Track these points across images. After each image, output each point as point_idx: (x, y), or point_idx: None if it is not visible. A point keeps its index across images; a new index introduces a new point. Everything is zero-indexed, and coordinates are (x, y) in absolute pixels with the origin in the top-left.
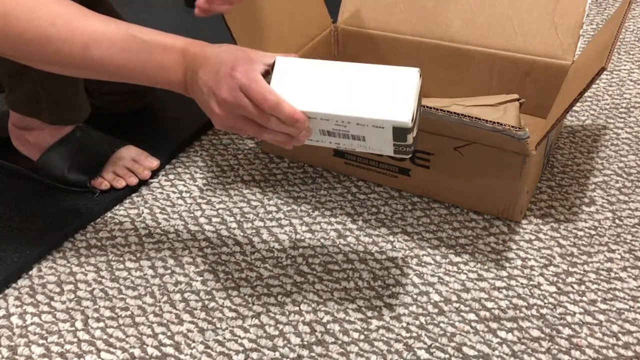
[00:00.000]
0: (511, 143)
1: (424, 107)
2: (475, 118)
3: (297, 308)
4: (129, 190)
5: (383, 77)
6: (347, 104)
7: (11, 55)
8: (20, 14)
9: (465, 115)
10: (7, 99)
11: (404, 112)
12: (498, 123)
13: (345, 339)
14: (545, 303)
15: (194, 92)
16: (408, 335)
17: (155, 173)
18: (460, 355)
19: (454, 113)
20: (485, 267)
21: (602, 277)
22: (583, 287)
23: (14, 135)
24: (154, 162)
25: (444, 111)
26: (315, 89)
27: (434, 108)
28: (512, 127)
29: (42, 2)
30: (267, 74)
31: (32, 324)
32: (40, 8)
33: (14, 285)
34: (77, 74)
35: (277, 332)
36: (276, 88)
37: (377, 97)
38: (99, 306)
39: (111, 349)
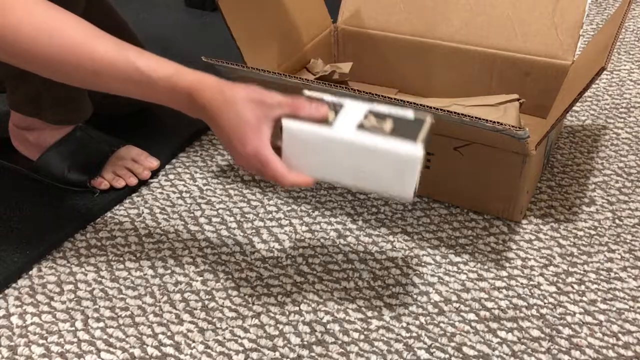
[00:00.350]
0: (511, 143)
1: (424, 106)
2: (475, 118)
3: (297, 308)
4: (129, 190)
5: (387, 155)
6: (354, 178)
7: (26, 68)
8: (29, 33)
9: (465, 115)
10: (9, 98)
11: (406, 191)
12: (498, 123)
13: (345, 339)
14: (545, 303)
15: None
16: (408, 335)
17: (155, 173)
18: (460, 355)
19: (454, 113)
20: (485, 267)
21: (602, 277)
22: (583, 287)
23: (14, 135)
24: (154, 162)
25: (444, 111)
26: (324, 162)
27: (434, 108)
28: (512, 126)
29: (50, 22)
30: (278, 123)
31: (32, 324)
32: (47, 30)
33: (14, 285)
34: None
35: (277, 332)
36: (288, 157)
37: (382, 175)
38: (99, 306)
39: (111, 349)
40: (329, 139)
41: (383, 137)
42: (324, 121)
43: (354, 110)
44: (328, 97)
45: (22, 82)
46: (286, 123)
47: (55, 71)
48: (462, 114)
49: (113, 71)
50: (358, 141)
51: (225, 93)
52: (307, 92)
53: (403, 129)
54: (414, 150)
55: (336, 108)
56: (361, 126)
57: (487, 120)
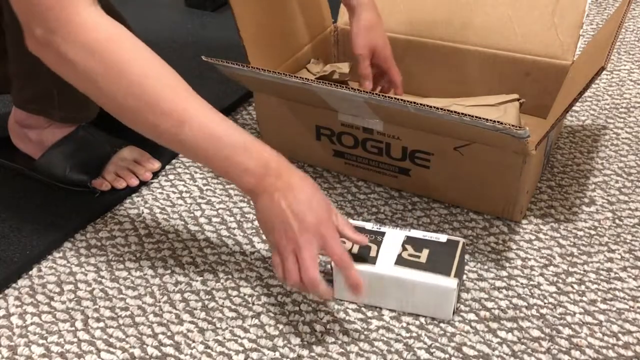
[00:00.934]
0: (511, 143)
1: (424, 105)
2: (476, 117)
3: (297, 308)
4: (129, 190)
5: (425, 288)
6: (397, 305)
7: (108, 105)
8: (134, 71)
9: (465, 115)
10: (16, 96)
11: (445, 314)
12: (498, 122)
13: (345, 339)
14: (545, 303)
15: (263, 202)
16: (408, 335)
17: (155, 174)
18: (460, 355)
19: (454, 112)
20: (485, 267)
21: (602, 277)
22: (583, 287)
23: (14, 133)
24: (156, 164)
25: (444, 110)
26: (370, 292)
27: (434, 107)
28: (512, 125)
29: (156, 65)
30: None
31: (32, 324)
32: (154, 72)
33: (14, 285)
34: (161, 141)
35: (277, 332)
36: (338, 286)
37: (423, 303)
38: (99, 306)
39: (111, 349)
40: (373, 275)
41: (420, 271)
42: (367, 254)
43: (392, 240)
44: (369, 226)
45: (32, 80)
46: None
47: (143, 114)
48: (462, 114)
49: (200, 120)
50: (398, 277)
51: (301, 174)
52: (350, 222)
53: (438, 258)
54: (449, 283)
55: (377, 238)
56: (400, 259)
57: (487, 119)
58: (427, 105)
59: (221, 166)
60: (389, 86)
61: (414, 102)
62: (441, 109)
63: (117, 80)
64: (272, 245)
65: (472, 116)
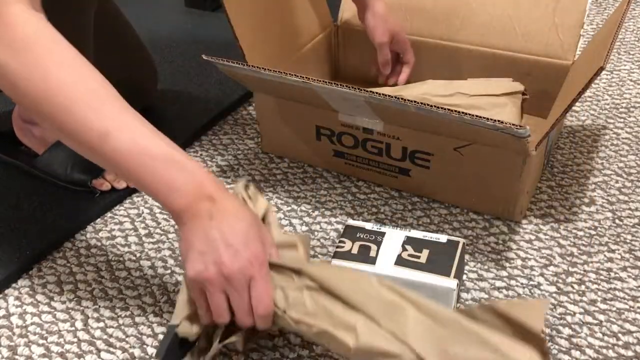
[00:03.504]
0: (511, 143)
1: (425, 105)
2: (476, 116)
3: None
4: (129, 190)
5: (426, 289)
6: None
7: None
8: (62, 80)
9: (466, 114)
10: None
11: None
12: (499, 121)
13: None
14: None
15: (192, 228)
16: None
17: None
18: None
19: (455, 111)
20: (485, 267)
21: (602, 277)
22: (583, 287)
23: (18, 127)
24: None
25: (445, 109)
26: None
27: (434, 107)
28: (513, 125)
29: (77, 63)
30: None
31: (32, 324)
32: (78, 79)
33: (14, 285)
34: (84, 152)
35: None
36: None
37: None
38: (99, 306)
39: (111, 349)
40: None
41: (420, 272)
42: (367, 254)
43: (392, 240)
44: (369, 226)
45: None
46: (335, 263)
47: (68, 122)
48: (462, 113)
49: (127, 132)
50: (398, 277)
51: (239, 201)
52: (350, 222)
53: (438, 258)
54: (448, 284)
55: (377, 238)
56: (400, 259)
57: (487, 118)
58: (428, 105)
59: (149, 182)
60: (402, 68)
61: (415, 102)
62: (442, 108)
63: (37, 83)
64: (195, 279)
65: (473, 115)
